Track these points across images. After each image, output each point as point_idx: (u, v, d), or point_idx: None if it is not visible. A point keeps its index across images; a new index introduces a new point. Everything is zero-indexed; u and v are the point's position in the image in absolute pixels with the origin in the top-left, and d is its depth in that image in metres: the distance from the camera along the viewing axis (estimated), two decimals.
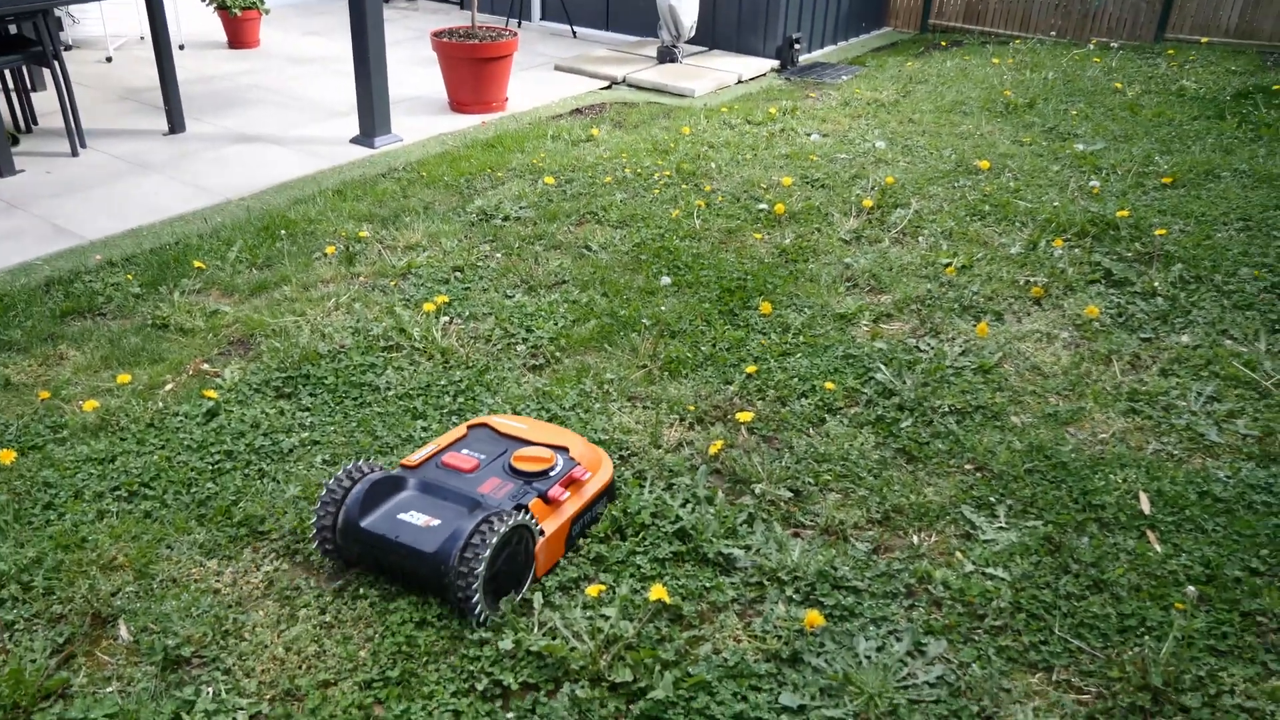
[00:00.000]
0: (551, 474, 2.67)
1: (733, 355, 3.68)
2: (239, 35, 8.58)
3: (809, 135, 6.29)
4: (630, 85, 8.07)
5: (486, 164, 5.76)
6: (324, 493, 2.53)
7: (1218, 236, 4.49)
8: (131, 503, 2.86)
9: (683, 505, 2.83)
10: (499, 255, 4.56)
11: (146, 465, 3.01)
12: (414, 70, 8.03)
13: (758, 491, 2.93)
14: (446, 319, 3.93)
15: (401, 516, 2.50)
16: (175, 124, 6.29)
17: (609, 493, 2.80)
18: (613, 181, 5.44)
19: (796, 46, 8.73)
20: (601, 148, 6.05)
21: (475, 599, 2.34)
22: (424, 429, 3.21)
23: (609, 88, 7.99)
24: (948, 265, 4.35)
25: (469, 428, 2.91)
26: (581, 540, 2.69)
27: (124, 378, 3.47)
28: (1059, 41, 9.27)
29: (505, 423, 2.92)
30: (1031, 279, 4.21)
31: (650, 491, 2.89)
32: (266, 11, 8.78)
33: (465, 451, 2.76)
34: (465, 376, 3.52)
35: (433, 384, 3.47)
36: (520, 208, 5.08)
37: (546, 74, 8.19)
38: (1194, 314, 3.89)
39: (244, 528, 2.75)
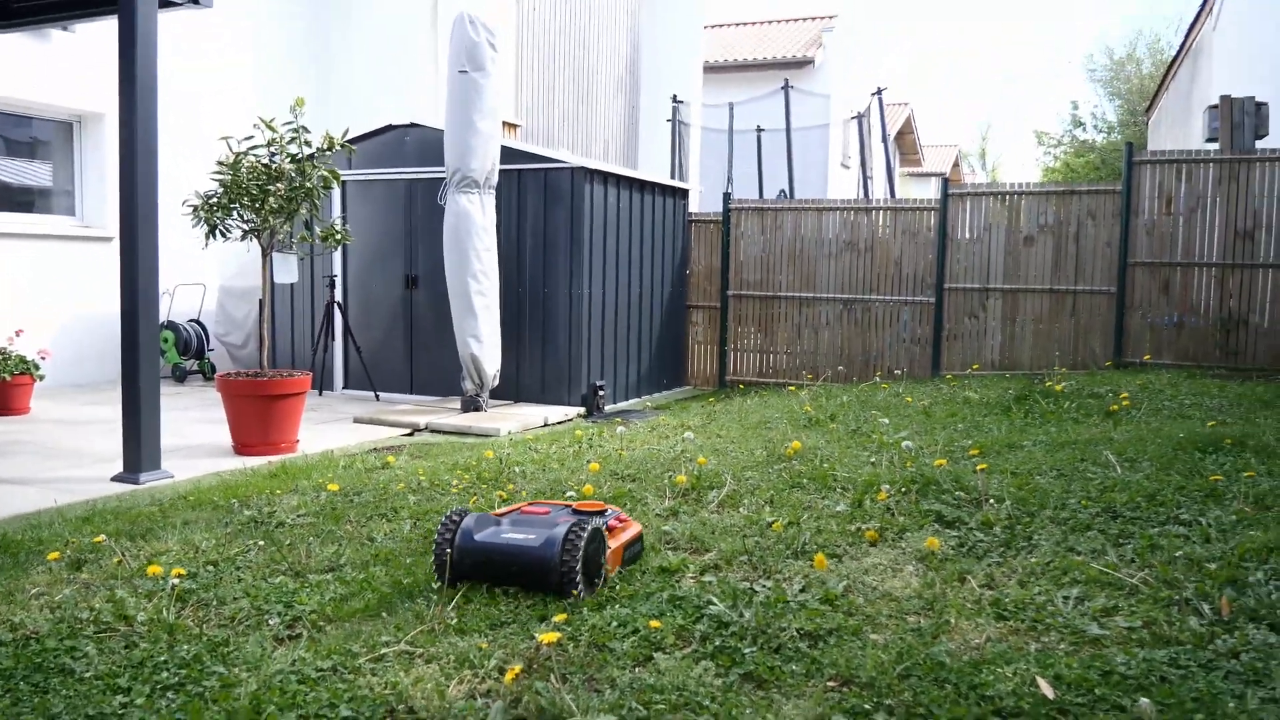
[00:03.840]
0: (606, 514, 3.54)
1: (536, 611, 3.07)
2: (6, 401, 7.87)
3: (616, 447, 6.07)
4: (433, 431, 7.80)
5: (266, 488, 5.15)
6: (440, 528, 3.30)
7: (1038, 481, 4.38)
8: None
9: None
10: (267, 548, 3.87)
11: None
12: (199, 426, 7.48)
13: None
14: (182, 597, 3.16)
15: (505, 535, 3.31)
16: None
17: (640, 542, 3.62)
18: (406, 489, 4.93)
19: (601, 394, 8.84)
20: (398, 471, 5.58)
21: (577, 578, 3.10)
22: (123, 705, 2.37)
23: (411, 434, 7.69)
24: (773, 523, 3.98)
25: (527, 504, 3.71)
26: None
27: None
28: (847, 382, 9.83)
29: (552, 501, 3.90)
30: (864, 526, 3.88)
31: None
32: (41, 378, 8.18)
33: (535, 508, 3.59)
34: (195, 649, 2.73)
35: (149, 659, 2.66)
36: (298, 515, 4.45)
37: (346, 426, 7.84)
38: (1036, 538, 3.61)
39: None
